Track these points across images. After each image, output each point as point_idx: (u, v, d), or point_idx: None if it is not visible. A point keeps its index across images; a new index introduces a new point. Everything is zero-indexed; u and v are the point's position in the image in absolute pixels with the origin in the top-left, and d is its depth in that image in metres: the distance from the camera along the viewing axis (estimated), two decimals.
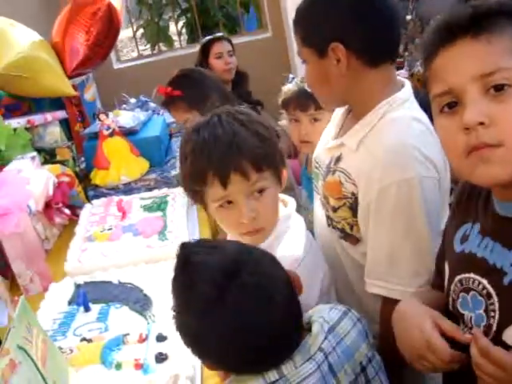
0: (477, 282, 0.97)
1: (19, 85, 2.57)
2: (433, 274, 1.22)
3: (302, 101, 1.97)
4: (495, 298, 0.93)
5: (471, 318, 0.98)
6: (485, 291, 0.95)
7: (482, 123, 0.87)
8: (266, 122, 1.31)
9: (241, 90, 3.33)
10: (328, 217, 1.44)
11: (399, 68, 2.96)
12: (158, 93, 2.40)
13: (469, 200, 1.06)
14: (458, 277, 1.02)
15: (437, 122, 0.96)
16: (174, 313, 1.04)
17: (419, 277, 1.28)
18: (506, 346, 0.89)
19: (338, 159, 1.39)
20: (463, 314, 1.00)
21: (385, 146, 1.28)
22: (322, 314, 1.07)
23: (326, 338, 1.03)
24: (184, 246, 1.05)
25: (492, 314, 0.93)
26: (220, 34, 3.56)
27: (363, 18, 1.30)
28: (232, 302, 0.95)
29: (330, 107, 1.52)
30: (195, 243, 1.09)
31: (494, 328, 0.93)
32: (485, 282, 0.95)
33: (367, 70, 1.34)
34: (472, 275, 0.98)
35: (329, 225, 1.45)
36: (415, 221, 1.27)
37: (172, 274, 1.05)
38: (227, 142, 1.20)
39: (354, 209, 1.35)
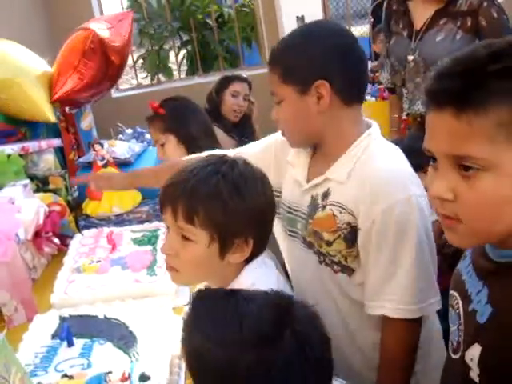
0: (457, 301, 1.02)
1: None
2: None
3: None
4: (462, 320, 0.98)
5: (452, 331, 1.03)
6: (458, 311, 1.00)
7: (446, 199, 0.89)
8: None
9: (244, 129, 3.34)
10: (320, 254, 1.44)
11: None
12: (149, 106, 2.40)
13: None
14: (450, 291, 1.07)
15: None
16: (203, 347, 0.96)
17: (424, 292, 1.35)
18: (467, 365, 0.94)
19: (326, 194, 1.41)
20: (451, 327, 1.05)
21: (379, 171, 1.35)
22: None
23: None
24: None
25: (460, 333, 0.99)
26: (244, 76, 3.47)
27: (346, 59, 1.38)
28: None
29: (298, 146, 1.51)
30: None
31: (462, 347, 0.97)
32: (460, 303, 1.00)
33: (343, 108, 1.40)
34: (456, 294, 1.03)
35: (320, 262, 1.45)
36: (416, 236, 1.32)
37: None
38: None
39: (348, 239, 1.38)
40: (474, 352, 0.92)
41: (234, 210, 1.20)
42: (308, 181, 1.47)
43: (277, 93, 1.41)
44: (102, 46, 2.82)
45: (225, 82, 3.34)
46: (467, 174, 0.86)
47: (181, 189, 1.22)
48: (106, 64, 2.86)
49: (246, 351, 0.91)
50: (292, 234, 1.54)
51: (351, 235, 1.38)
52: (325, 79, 1.35)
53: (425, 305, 1.35)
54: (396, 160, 1.40)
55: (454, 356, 1.01)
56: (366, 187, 1.34)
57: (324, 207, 1.41)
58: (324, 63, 1.37)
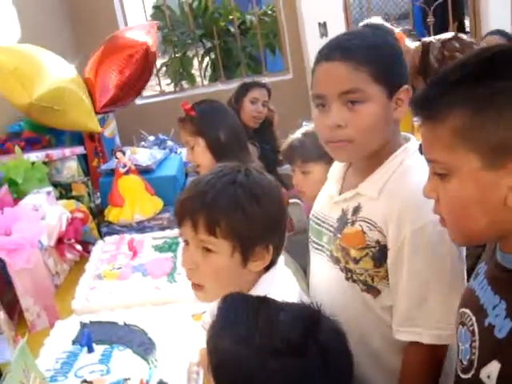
0: (469, 317, 1.01)
1: (48, 116, 2.59)
2: None
3: (291, 153, 2.08)
4: (477, 337, 0.97)
5: (462, 350, 1.02)
6: (471, 328, 0.99)
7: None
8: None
9: (266, 136, 3.34)
10: (348, 270, 1.39)
11: None
12: (182, 107, 2.36)
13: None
14: (461, 310, 1.06)
15: None
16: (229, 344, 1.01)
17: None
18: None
19: (357, 209, 1.37)
20: (459, 346, 1.04)
21: (411, 189, 1.28)
22: None
23: None
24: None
25: (474, 350, 0.97)
26: (263, 82, 3.51)
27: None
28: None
29: (355, 159, 1.41)
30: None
31: (475, 365, 0.96)
32: (473, 319, 1.00)
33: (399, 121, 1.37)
34: (467, 311, 1.03)
35: (347, 278, 1.40)
36: (450, 259, 1.28)
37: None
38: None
39: (376, 258, 1.34)
40: (492, 369, 0.90)
41: (254, 218, 1.20)
42: (340, 193, 1.44)
43: (365, 91, 1.29)
44: (147, 55, 2.85)
45: (243, 89, 3.37)
46: (440, 177, 0.95)
47: (200, 201, 1.21)
48: (141, 73, 2.89)
49: (271, 358, 0.95)
50: (318, 247, 1.51)
51: (380, 254, 1.33)
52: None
53: None
54: None
55: (464, 376, 0.99)
56: (395, 205, 1.30)
57: (353, 223, 1.37)
58: (407, 69, 1.36)
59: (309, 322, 1.01)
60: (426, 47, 2.77)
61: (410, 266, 1.29)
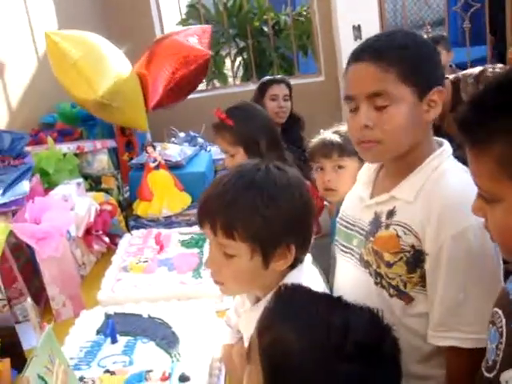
0: (500, 318, 0.99)
1: (105, 111, 2.61)
2: None
3: (326, 148, 2.01)
4: (504, 339, 0.95)
5: (489, 349, 1.00)
6: (501, 329, 0.97)
7: None
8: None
9: (293, 135, 3.31)
10: (378, 274, 1.37)
11: None
12: (215, 114, 2.30)
13: None
14: (494, 309, 1.04)
15: None
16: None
17: None
18: None
19: (391, 213, 1.35)
20: (488, 344, 1.02)
21: (450, 193, 1.27)
22: None
23: None
24: None
25: (498, 352, 0.95)
26: (280, 77, 3.49)
27: None
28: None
29: (384, 158, 1.40)
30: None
31: (498, 366, 0.95)
32: (503, 321, 0.97)
33: (431, 123, 1.35)
34: (499, 311, 1.00)
35: (376, 283, 1.38)
36: (489, 264, 1.26)
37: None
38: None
39: (410, 263, 1.31)
40: (511, 375, 0.89)
41: (272, 220, 1.19)
42: (372, 197, 1.42)
43: (391, 92, 1.27)
44: (204, 64, 2.86)
45: (261, 89, 3.34)
46: (486, 200, 0.95)
47: (217, 204, 1.20)
48: (194, 78, 2.90)
49: (341, 362, 0.92)
50: (346, 250, 1.49)
51: (414, 259, 1.30)
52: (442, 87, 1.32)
53: None
54: (468, 182, 1.22)
55: (487, 374, 0.97)
56: (433, 209, 1.27)
57: (388, 226, 1.35)
58: (441, 71, 1.35)
59: (380, 329, 0.99)
60: (455, 85, 2.75)
61: (448, 271, 1.26)
